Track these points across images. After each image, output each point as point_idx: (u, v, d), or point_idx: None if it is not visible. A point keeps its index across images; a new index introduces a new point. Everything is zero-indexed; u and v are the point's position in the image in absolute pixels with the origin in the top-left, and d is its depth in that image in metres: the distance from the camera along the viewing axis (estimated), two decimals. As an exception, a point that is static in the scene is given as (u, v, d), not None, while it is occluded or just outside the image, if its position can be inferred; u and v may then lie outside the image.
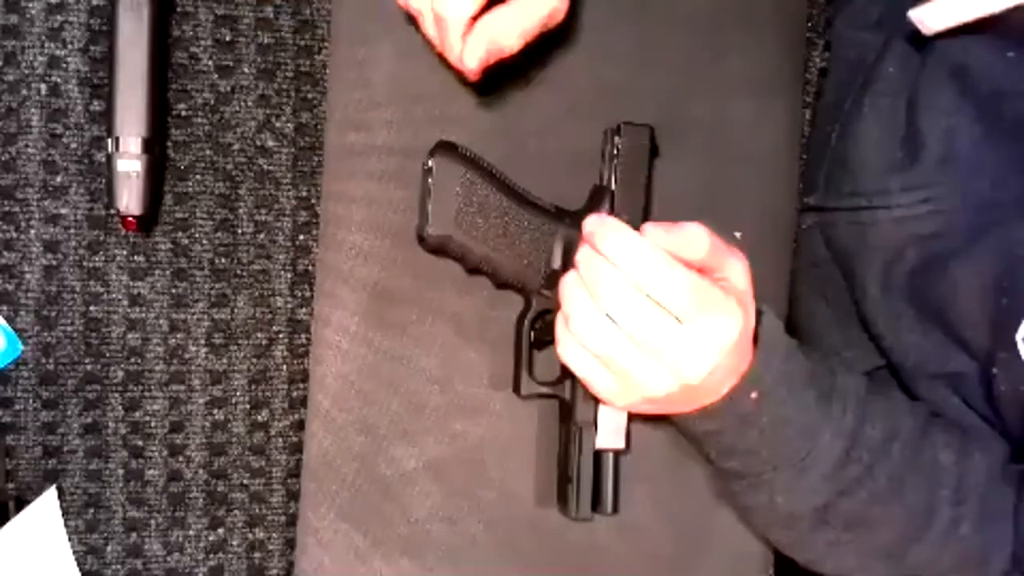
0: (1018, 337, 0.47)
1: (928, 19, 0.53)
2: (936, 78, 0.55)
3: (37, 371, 0.84)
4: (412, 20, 0.54)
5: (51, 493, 0.84)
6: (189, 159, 0.85)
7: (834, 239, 0.64)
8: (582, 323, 0.49)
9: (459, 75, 0.55)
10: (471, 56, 0.50)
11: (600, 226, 0.50)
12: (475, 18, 0.49)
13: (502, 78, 0.59)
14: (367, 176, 0.59)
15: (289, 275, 0.88)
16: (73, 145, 0.83)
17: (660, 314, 0.46)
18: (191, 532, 0.88)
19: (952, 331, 0.53)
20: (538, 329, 0.58)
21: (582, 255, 0.50)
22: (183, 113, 0.85)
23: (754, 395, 0.49)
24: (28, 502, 0.84)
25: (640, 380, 0.48)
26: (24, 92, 0.82)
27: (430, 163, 0.55)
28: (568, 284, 0.51)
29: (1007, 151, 0.51)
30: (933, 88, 0.56)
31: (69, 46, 0.83)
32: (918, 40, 0.57)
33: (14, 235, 0.83)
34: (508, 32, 0.49)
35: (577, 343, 0.50)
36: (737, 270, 0.50)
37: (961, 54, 0.54)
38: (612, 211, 0.57)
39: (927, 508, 0.52)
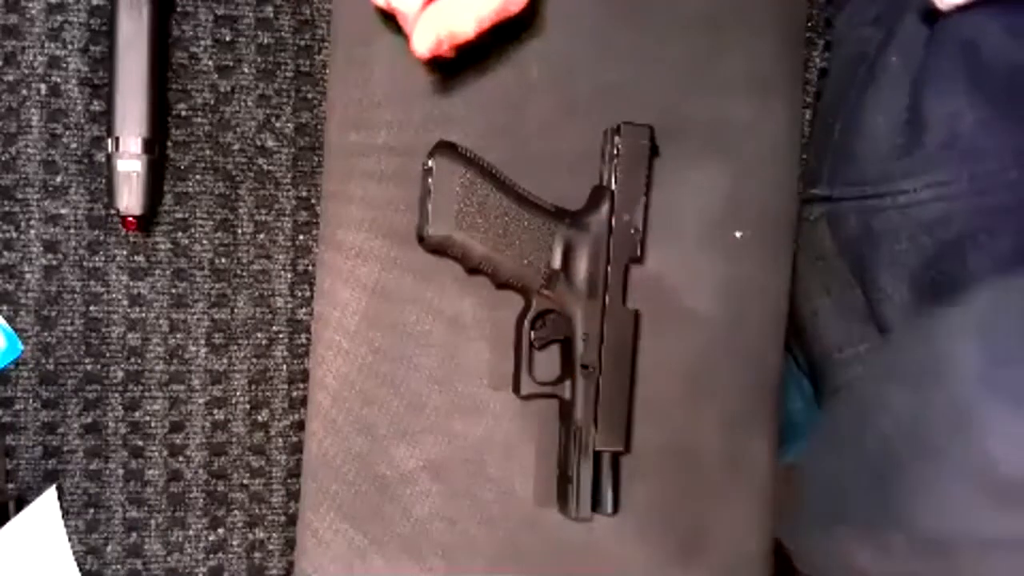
0: None
1: None
2: (944, 59, 0.55)
3: (37, 371, 0.84)
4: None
5: (51, 493, 0.85)
6: (189, 159, 0.85)
7: (842, 229, 0.64)
8: None
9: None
10: (420, 42, 0.51)
11: None
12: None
13: (502, 78, 0.59)
14: (367, 176, 0.59)
15: (289, 275, 0.88)
16: (73, 145, 0.83)
17: None
18: (191, 532, 0.88)
19: None
20: (538, 329, 0.58)
21: None
22: (183, 113, 0.85)
23: None
24: (28, 502, 0.84)
25: None
26: (24, 92, 0.82)
27: (430, 163, 0.55)
28: None
29: (1021, 129, 0.50)
30: (939, 70, 0.55)
31: (69, 46, 0.83)
32: (925, 23, 0.56)
33: (14, 235, 0.83)
34: (462, 18, 0.51)
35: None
36: None
37: (972, 31, 0.53)
38: (612, 211, 0.57)
39: None
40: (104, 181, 0.83)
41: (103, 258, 0.84)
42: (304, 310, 0.88)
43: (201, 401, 0.87)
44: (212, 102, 0.85)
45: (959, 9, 0.53)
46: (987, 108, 0.52)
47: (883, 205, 0.57)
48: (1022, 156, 0.50)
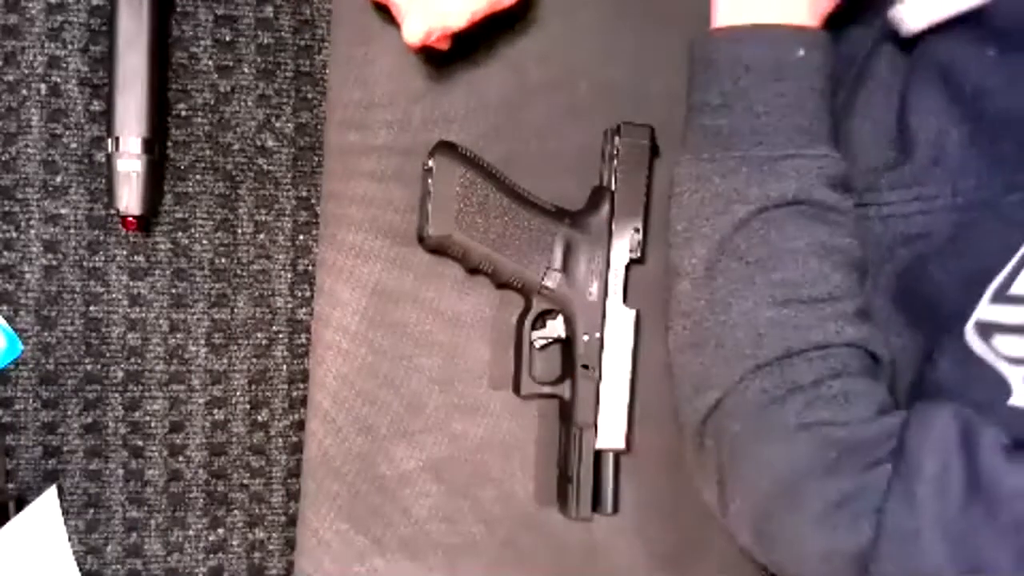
0: (967, 325, 0.47)
1: (907, 17, 0.53)
2: (924, 78, 0.56)
3: (37, 371, 0.84)
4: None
5: (51, 493, 0.85)
6: (189, 159, 0.85)
7: None
8: None
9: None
10: (411, 31, 0.51)
11: None
12: None
13: (502, 78, 0.59)
14: (367, 176, 0.59)
15: (289, 275, 0.88)
16: (73, 145, 0.83)
17: None
18: (191, 532, 0.88)
19: (935, 333, 0.53)
20: (538, 329, 0.58)
21: None
22: (183, 113, 0.85)
23: (801, 52, 0.51)
24: (28, 502, 0.84)
25: None
26: (24, 92, 0.82)
27: (430, 163, 0.55)
28: None
29: (989, 150, 0.51)
30: (922, 88, 0.56)
31: (69, 46, 0.83)
32: (907, 39, 0.57)
33: (14, 235, 0.83)
34: (453, 8, 0.51)
35: None
36: None
37: (945, 54, 0.54)
38: (612, 211, 0.57)
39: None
40: (104, 181, 0.83)
41: (103, 258, 0.84)
42: (304, 310, 0.88)
43: (201, 401, 0.87)
44: (212, 102, 0.85)
45: (930, 31, 0.53)
46: (965, 128, 0.53)
47: (867, 214, 0.57)
48: (992, 178, 0.51)
